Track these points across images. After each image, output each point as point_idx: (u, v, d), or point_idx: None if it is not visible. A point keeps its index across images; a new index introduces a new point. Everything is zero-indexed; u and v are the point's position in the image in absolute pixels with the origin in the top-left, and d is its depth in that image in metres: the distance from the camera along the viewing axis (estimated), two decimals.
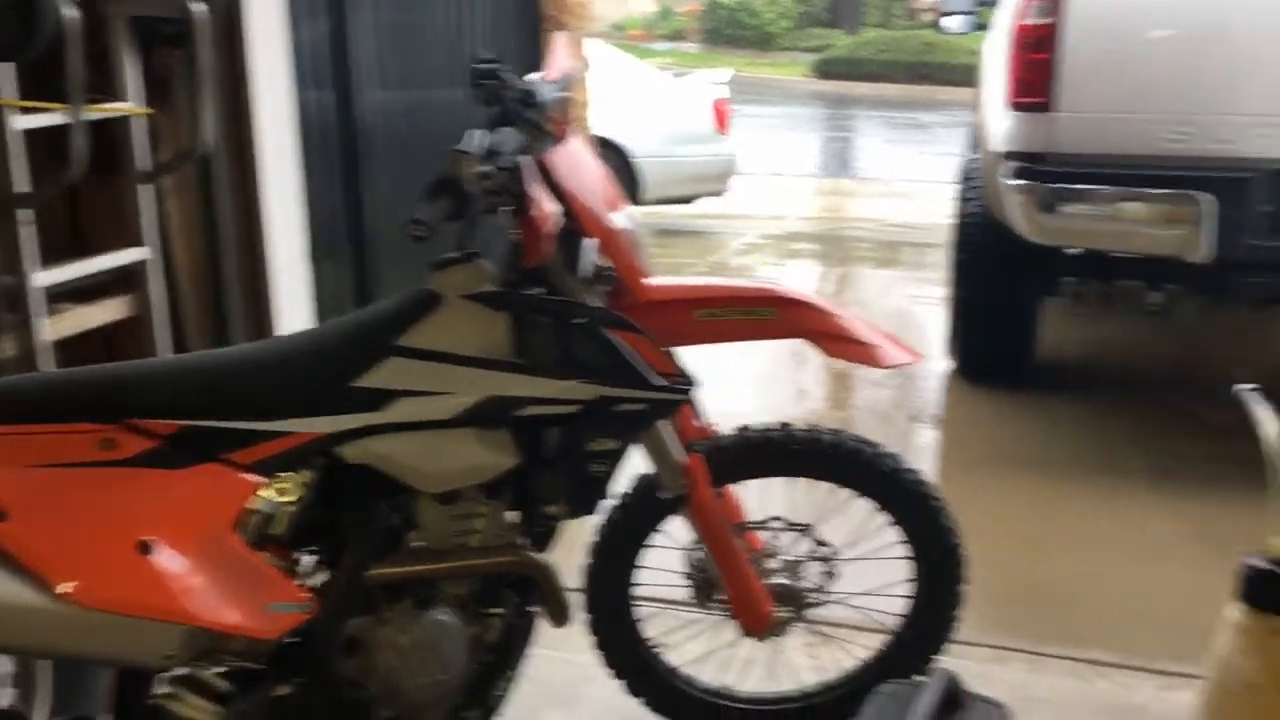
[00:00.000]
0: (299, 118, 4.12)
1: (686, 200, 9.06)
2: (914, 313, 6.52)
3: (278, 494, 1.90)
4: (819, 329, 2.19)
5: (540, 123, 2.10)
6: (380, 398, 1.87)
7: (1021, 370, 5.10)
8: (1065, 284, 4.94)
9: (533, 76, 2.30)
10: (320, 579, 1.98)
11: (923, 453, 4.67)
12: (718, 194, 8.99)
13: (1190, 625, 2.27)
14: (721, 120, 8.72)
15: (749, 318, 2.17)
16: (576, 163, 2.16)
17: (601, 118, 8.25)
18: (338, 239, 4.19)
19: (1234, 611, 1.86)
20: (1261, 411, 2.01)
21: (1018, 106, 4.04)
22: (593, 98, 8.27)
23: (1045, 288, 4.91)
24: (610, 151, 8.38)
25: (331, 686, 1.97)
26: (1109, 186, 3.88)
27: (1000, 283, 4.77)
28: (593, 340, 1.97)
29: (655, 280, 2.23)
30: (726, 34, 26.80)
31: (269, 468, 1.85)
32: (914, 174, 12.27)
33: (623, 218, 2.17)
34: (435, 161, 1.95)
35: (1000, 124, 4.18)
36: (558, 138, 2.17)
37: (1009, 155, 4.08)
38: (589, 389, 1.95)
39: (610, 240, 2.08)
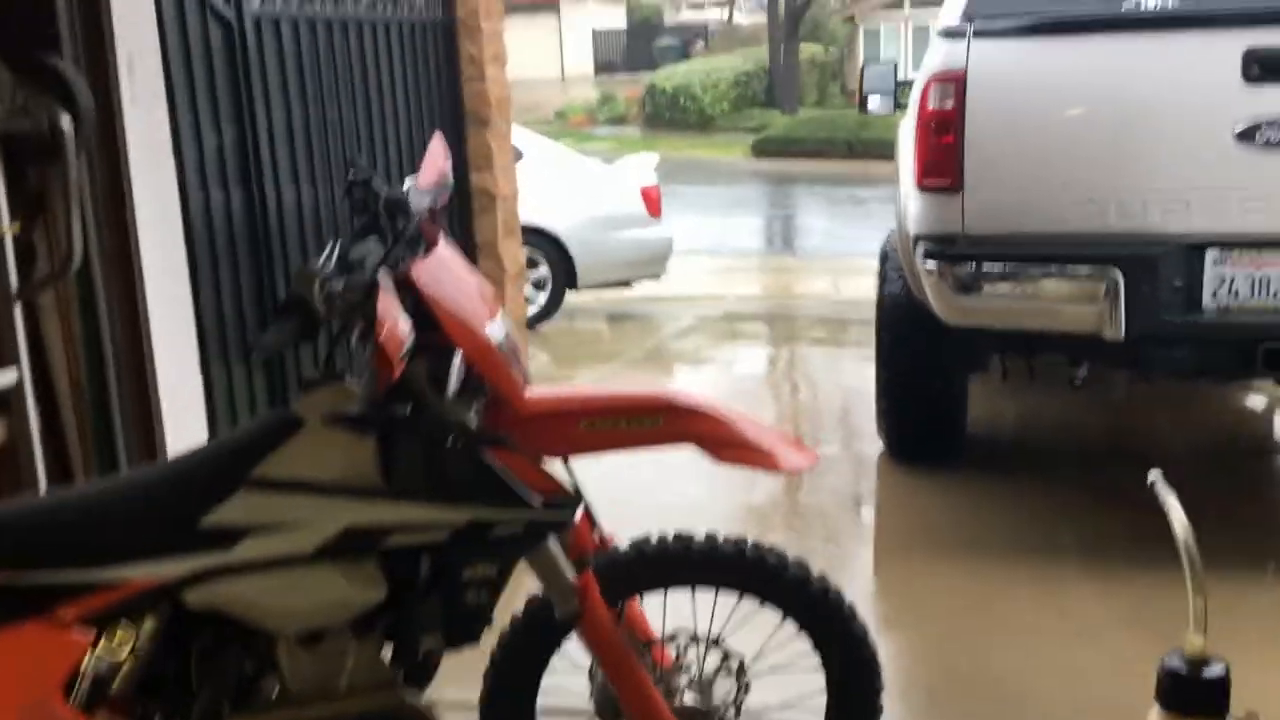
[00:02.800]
0: (203, 221, 4.04)
1: (624, 284, 9.05)
2: (864, 391, 6.48)
3: (114, 648, 1.76)
4: (709, 434, 2.11)
5: (407, 232, 2.02)
6: (231, 535, 1.75)
7: (952, 449, 5.05)
8: (990, 361, 4.95)
9: (407, 183, 2.24)
10: None
11: (855, 539, 4.60)
12: (655, 277, 8.98)
13: None
14: (652, 204, 8.74)
15: (636, 426, 2.09)
16: (446, 272, 2.07)
17: (535, 206, 8.25)
18: (243, 345, 4.08)
19: (1155, 714, 1.79)
20: (1172, 503, 1.96)
21: (926, 189, 4.04)
22: (525, 187, 8.29)
23: (971, 365, 4.89)
24: (545, 239, 8.36)
25: None
26: (1022, 266, 3.86)
27: (926, 362, 4.74)
28: (465, 461, 1.87)
29: (537, 391, 2.14)
30: (666, 117, 27.18)
31: (104, 620, 1.72)
32: (855, 249, 12.38)
33: (498, 327, 2.09)
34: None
35: (913, 206, 4.18)
36: (428, 245, 2.09)
37: (921, 238, 4.07)
38: (461, 514, 1.85)
39: (483, 353, 2.00)
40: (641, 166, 9.04)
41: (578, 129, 28.67)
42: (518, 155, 8.47)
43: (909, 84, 5.13)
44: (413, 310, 1.91)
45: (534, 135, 8.91)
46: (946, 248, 3.97)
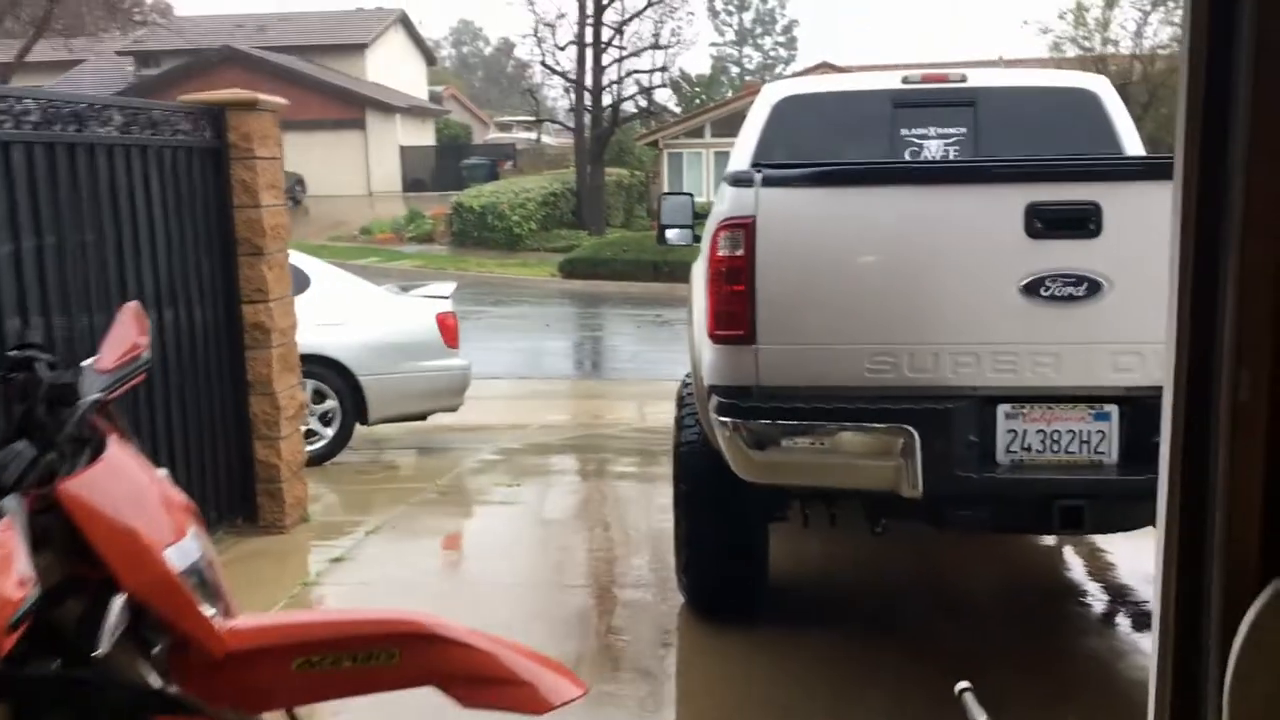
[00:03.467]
0: None
1: (419, 417, 8.61)
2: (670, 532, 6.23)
3: None
4: (459, 671, 1.77)
5: (67, 433, 1.63)
6: None
7: (754, 599, 4.82)
8: (791, 509, 4.76)
9: (86, 363, 1.85)
10: None
11: (650, 706, 4.27)
12: (452, 409, 8.59)
13: None
14: (449, 333, 8.39)
15: (364, 664, 1.73)
16: (116, 483, 1.68)
17: (323, 336, 7.79)
18: None
19: None
20: (978, 715, 1.71)
21: (719, 339, 3.85)
22: (312, 315, 7.84)
23: (771, 515, 4.70)
24: (334, 371, 7.89)
25: None
26: (816, 422, 3.70)
27: (725, 511, 4.52)
28: None
29: (243, 622, 1.75)
30: (474, 235, 27.03)
31: None
32: (661, 372, 12.29)
33: (187, 549, 1.70)
34: None
35: (706, 355, 3.98)
36: (98, 445, 1.70)
37: (715, 389, 3.86)
38: None
39: (160, 587, 1.61)
40: (437, 294, 8.71)
41: (384, 246, 28.19)
42: (304, 282, 8.05)
43: (707, 215, 5.03)
44: (66, 536, 1.51)
45: (321, 262, 8.49)
46: (740, 400, 3.78)
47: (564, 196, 29.41)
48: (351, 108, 35.97)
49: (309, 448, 7.81)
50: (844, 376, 3.73)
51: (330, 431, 7.95)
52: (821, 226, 3.82)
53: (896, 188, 3.86)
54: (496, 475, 7.87)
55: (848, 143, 5.89)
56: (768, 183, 3.83)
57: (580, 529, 6.47)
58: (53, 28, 33.59)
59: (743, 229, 3.77)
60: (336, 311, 8.05)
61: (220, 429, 5.73)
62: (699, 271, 4.36)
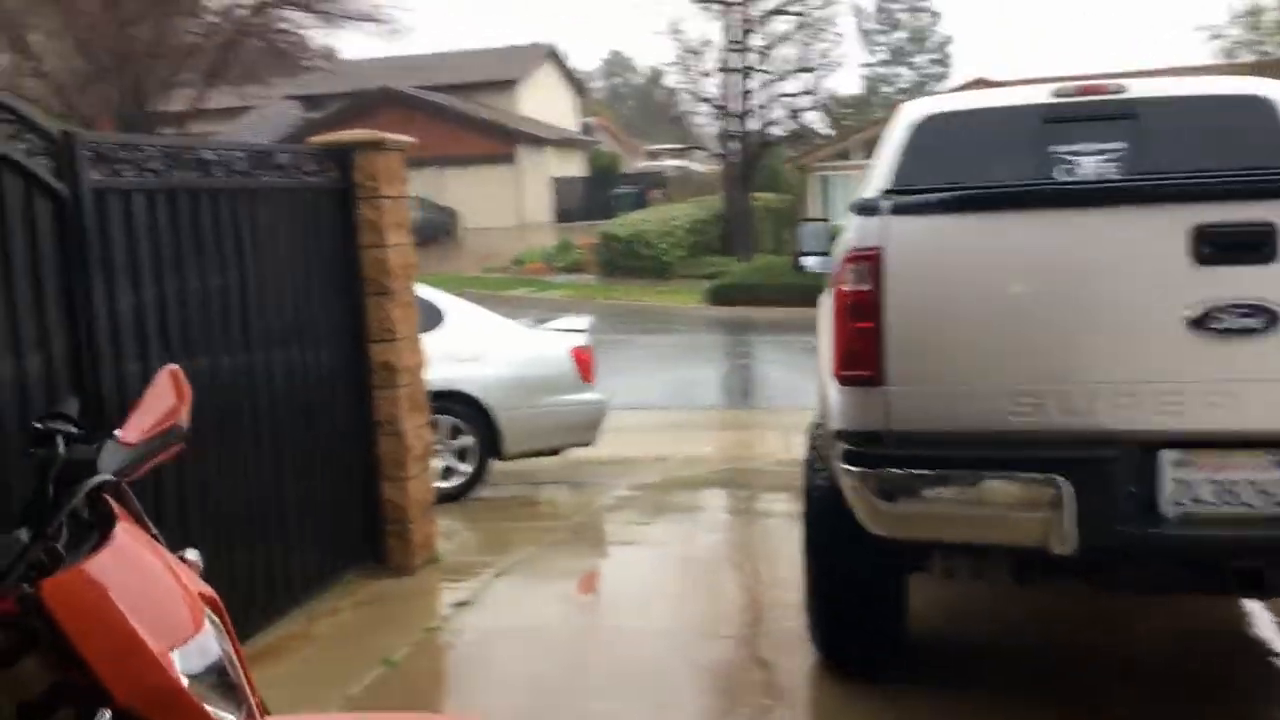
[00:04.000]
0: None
1: (553, 452, 8.51)
2: None
3: None
4: None
5: (61, 519, 1.47)
6: None
7: (891, 655, 4.47)
8: (931, 560, 4.40)
9: (116, 434, 1.71)
10: None
11: None
12: (586, 444, 8.45)
13: None
14: (584, 367, 8.27)
15: None
16: (113, 580, 1.51)
17: (457, 372, 7.76)
18: None
19: None
20: None
21: (845, 380, 3.56)
22: (447, 351, 7.83)
23: (910, 565, 4.35)
24: (469, 407, 7.85)
25: None
26: (952, 470, 3.36)
27: (858, 561, 4.19)
28: None
29: None
30: (622, 265, 27.08)
31: None
32: (811, 401, 11.87)
33: (200, 649, 1.52)
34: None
35: (833, 398, 3.69)
36: (103, 533, 1.54)
37: (842, 435, 3.57)
38: None
39: (159, 697, 1.44)
40: (573, 328, 8.60)
41: (535, 277, 28.53)
42: (438, 318, 8.06)
43: None
44: (55, 638, 1.36)
45: (454, 298, 8.47)
46: (869, 447, 3.47)
47: (712, 223, 29.25)
48: (503, 142, 36.69)
49: (445, 484, 7.80)
50: (984, 420, 3.39)
51: (466, 468, 7.90)
52: (959, 256, 3.50)
53: (1043, 211, 3.50)
54: (634, 512, 7.67)
55: (994, 163, 5.50)
56: (898, 210, 3.53)
57: (721, 572, 6.16)
58: (225, 76, 35.40)
59: (869, 261, 3.48)
60: (471, 347, 8.02)
61: (348, 470, 5.70)
62: (825, 305, 4.08)
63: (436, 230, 34.58)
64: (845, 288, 3.52)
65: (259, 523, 5.04)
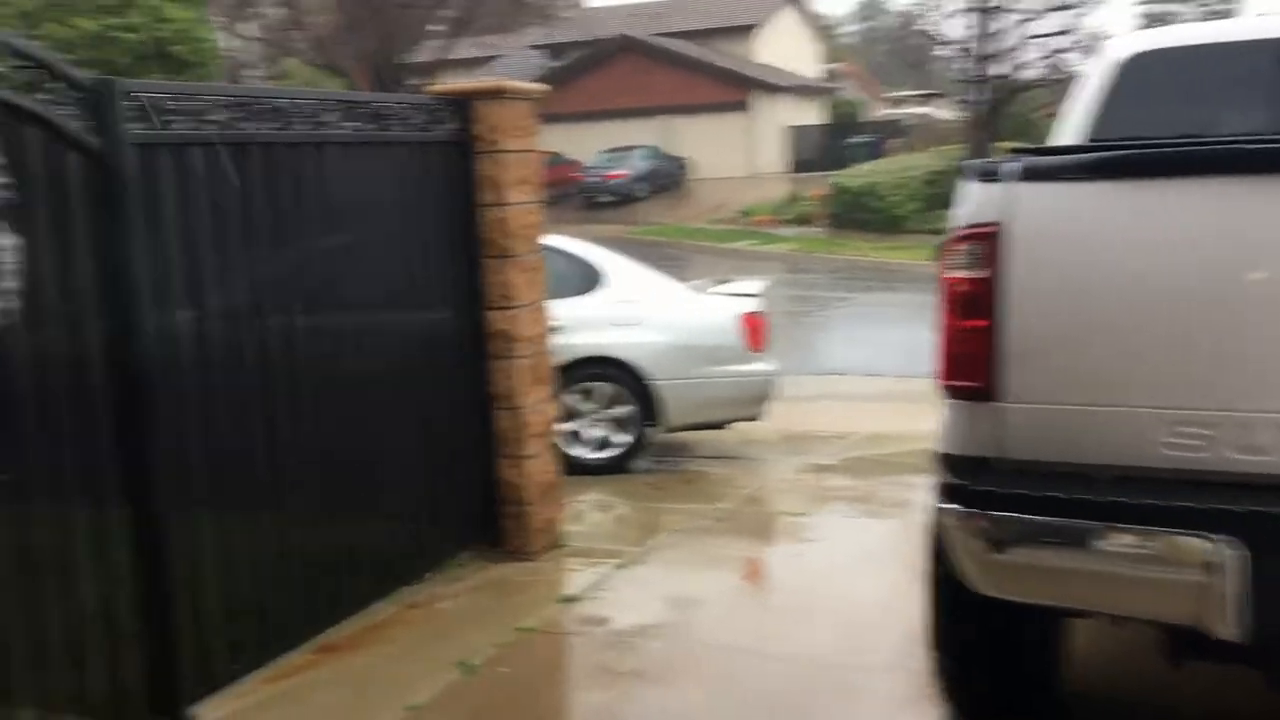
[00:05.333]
0: None
1: (716, 426, 7.92)
2: None
3: None
4: None
5: None
6: None
7: (1044, 714, 3.69)
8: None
9: None
10: None
11: None
12: (751, 418, 7.81)
13: None
14: (754, 336, 7.62)
15: None
16: None
17: (613, 337, 7.30)
18: None
19: None
20: None
21: (951, 391, 2.81)
22: (605, 314, 7.37)
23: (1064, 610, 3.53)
24: (627, 375, 7.37)
25: None
26: (1081, 519, 2.57)
27: (995, 602, 3.42)
28: None
29: None
30: (852, 218, 25.96)
31: None
32: None
33: None
34: None
35: (938, 413, 2.95)
36: None
37: (941, 460, 2.83)
38: None
39: None
40: (744, 292, 7.95)
41: (761, 229, 27.80)
42: (596, 279, 7.59)
43: None
44: None
45: (617, 257, 7.96)
46: (974, 480, 2.72)
47: (951, 174, 27.56)
48: (736, 89, 35.88)
49: (599, 455, 7.37)
50: (1129, 453, 2.58)
51: (624, 438, 7.44)
52: (1109, 236, 2.67)
53: (1232, 180, 2.62)
54: (798, 498, 7.01)
55: (1217, 111, 4.50)
56: (1030, 175, 2.73)
57: (888, 582, 5.27)
58: (471, 27, 36.13)
59: (986, 240, 2.71)
60: (631, 311, 7.52)
61: (462, 446, 5.32)
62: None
63: (665, 179, 34.29)
64: (953, 274, 2.76)
65: (363, 497, 4.74)
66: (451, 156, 5.19)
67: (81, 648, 3.54)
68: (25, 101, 3.29)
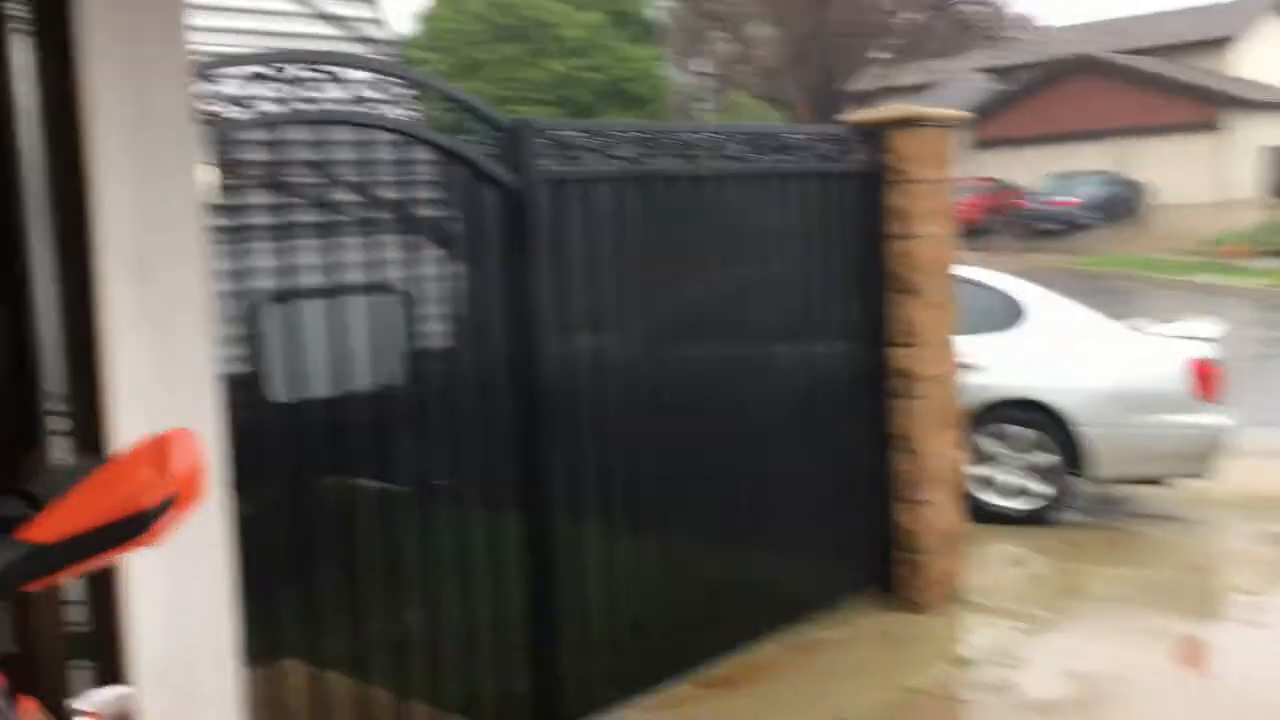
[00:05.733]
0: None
1: (1153, 481, 7.12)
2: None
3: None
4: None
5: None
6: None
7: None
8: None
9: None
10: None
11: None
12: (1196, 475, 6.95)
13: None
14: (1205, 383, 6.78)
15: None
16: None
17: (1035, 378, 6.79)
18: None
19: None
20: None
21: None
22: (1028, 353, 6.92)
23: None
24: (1049, 420, 6.82)
25: None
26: None
27: None
28: None
29: None
30: None
31: None
32: None
33: None
34: None
35: None
36: None
37: None
38: None
39: None
40: (1195, 334, 7.09)
41: (1228, 261, 25.04)
42: (1017, 314, 7.11)
43: None
44: None
45: (1041, 290, 7.39)
46: None
47: None
48: (1205, 107, 32.57)
49: (1015, 505, 6.87)
50: None
51: (1044, 489, 6.88)
52: None
53: None
54: (1246, 572, 6.14)
55: None
56: None
57: None
58: (915, 52, 35.66)
59: None
60: (1056, 350, 6.97)
61: (857, 486, 5.13)
62: None
63: (1119, 206, 31.83)
64: None
65: (751, 530, 4.70)
66: (860, 187, 5.03)
67: (474, 652, 3.74)
68: (450, 141, 3.55)
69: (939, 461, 5.21)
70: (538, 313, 3.82)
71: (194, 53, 2.41)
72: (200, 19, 5.02)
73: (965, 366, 5.61)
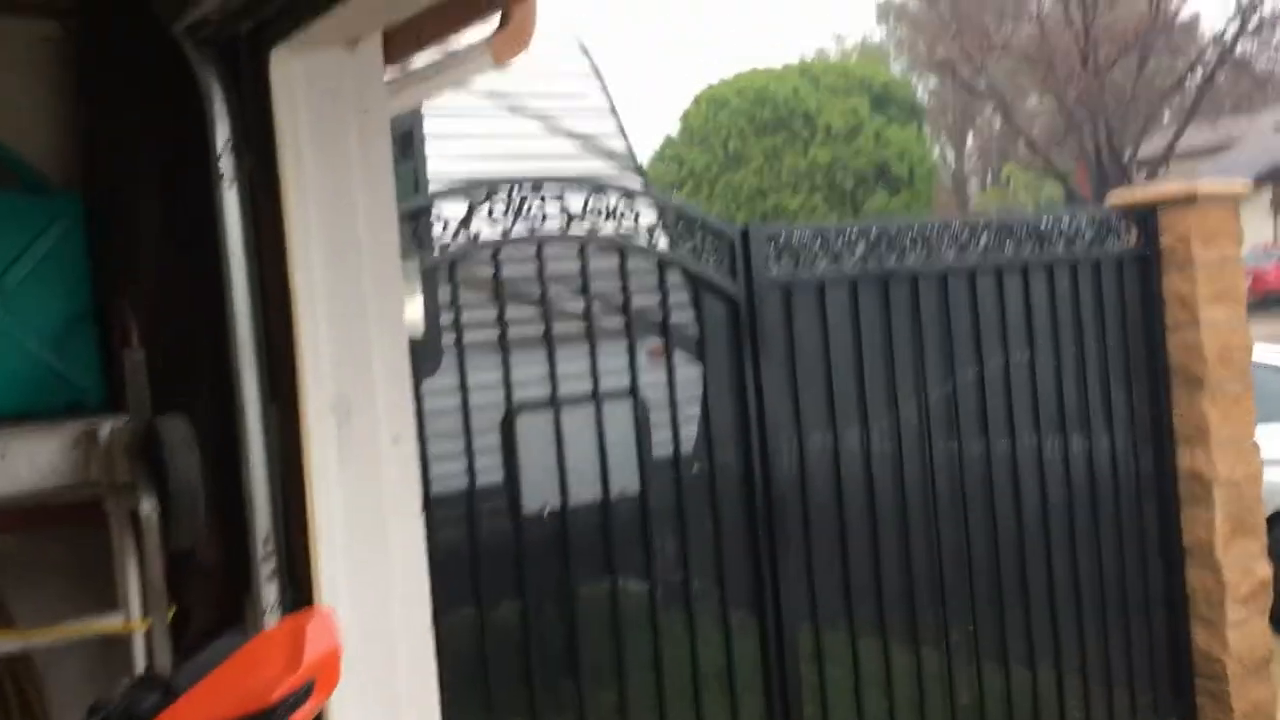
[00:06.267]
0: None
1: None
2: None
3: None
4: None
5: None
6: None
7: None
8: None
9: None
10: None
11: None
12: None
13: None
14: None
15: None
16: None
17: None
18: None
19: None
20: None
21: None
22: None
23: None
24: None
25: None
26: None
27: None
28: None
29: None
30: None
31: None
32: None
33: None
34: None
35: None
36: None
37: None
38: None
39: None
40: None
41: None
42: None
43: None
44: None
45: None
46: None
47: None
48: None
49: None
50: None
51: None
52: None
53: None
54: None
55: None
56: None
57: None
58: (1203, 111, 33.32)
59: None
60: None
61: (1146, 602, 4.59)
62: None
63: None
64: None
65: (1012, 640, 4.30)
66: (1132, 272, 4.59)
67: None
68: (673, 254, 3.49)
69: (1241, 576, 4.59)
70: (769, 417, 3.70)
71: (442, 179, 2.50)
72: (452, 146, 5.26)
73: (1270, 463, 4.96)
